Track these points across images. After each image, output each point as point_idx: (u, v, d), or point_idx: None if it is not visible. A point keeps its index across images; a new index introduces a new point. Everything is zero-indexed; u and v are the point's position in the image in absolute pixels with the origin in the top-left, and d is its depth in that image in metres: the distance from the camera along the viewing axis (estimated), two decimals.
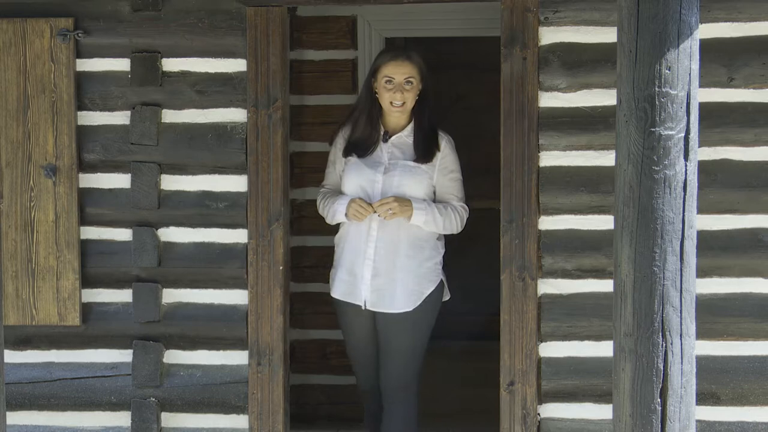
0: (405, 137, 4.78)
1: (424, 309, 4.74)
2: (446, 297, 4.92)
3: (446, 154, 4.77)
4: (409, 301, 4.72)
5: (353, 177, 4.74)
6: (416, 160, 4.72)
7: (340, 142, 4.85)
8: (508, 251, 5.07)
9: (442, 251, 4.87)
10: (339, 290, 4.83)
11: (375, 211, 4.62)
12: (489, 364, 5.24)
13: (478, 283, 7.05)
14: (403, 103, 4.70)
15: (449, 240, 4.97)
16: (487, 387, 5.46)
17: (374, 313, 4.76)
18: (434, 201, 4.78)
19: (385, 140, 4.77)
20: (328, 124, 5.55)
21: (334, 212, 4.77)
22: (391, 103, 4.70)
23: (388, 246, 4.69)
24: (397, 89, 4.67)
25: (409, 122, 4.79)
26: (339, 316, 4.95)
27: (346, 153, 4.79)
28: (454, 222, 4.77)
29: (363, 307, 4.75)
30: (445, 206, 4.75)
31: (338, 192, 4.84)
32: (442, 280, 4.85)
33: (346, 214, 4.71)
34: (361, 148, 4.76)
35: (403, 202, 4.64)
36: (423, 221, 4.68)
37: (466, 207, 4.85)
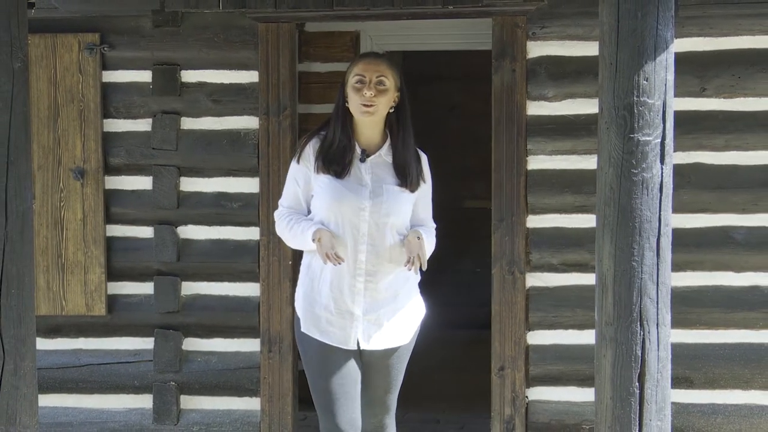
0: (384, 156, 3.82)
1: (411, 341, 3.90)
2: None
3: (425, 175, 3.90)
4: (401, 335, 3.85)
5: (332, 201, 3.75)
6: (400, 185, 3.79)
7: (308, 157, 3.83)
8: (498, 247, 5.07)
9: (418, 277, 3.95)
10: (315, 330, 3.79)
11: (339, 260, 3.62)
12: (485, 351, 5.23)
13: (478, 277, 7.05)
14: (373, 105, 3.75)
15: (444, 241, 4.92)
16: (482, 372, 5.45)
17: (362, 350, 3.82)
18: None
19: (363, 160, 3.79)
20: None
21: (304, 241, 3.77)
22: (361, 104, 3.75)
23: (378, 278, 3.76)
24: (368, 86, 3.74)
25: (384, 140, 3.85)
26: (317, 356, 3.82)
27: (323, 169, 3.78)
28: (432, 246, 3.89)
29: (356, 348, 3.79)
30: (429, 232, 3.88)
31: (300, 212, 3.86)
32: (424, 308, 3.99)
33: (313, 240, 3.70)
34: (338, 164, 3.78)
35: (418, 238, 3.73)
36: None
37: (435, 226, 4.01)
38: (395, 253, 3.76)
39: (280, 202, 3.93)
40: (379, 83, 3.77)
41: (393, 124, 3.84)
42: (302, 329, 3.82)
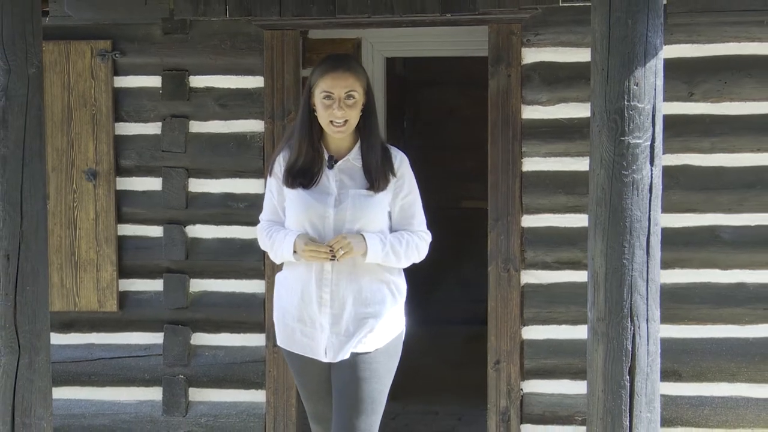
0: (352, 161, 3.59)
1: (384, 353, 3.59)
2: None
3: (401, 174, 3.61)
4: (369, 342, 3.56)
5: (300, 212, 3.57)
6: (369, 188, 3.56)
7: (278, 170, 3.65)
8: (494, 246, 5.07)
9: (404, 288, 3.71)
10: (290, 342, 3.65)
11: (332, 252, 3.45)
12: (482, 346, 5.23)
13: (477, 274, 7.04)
14: (345, 121, 3.52)
15: (443, 240, 4.93)
16: (479, 366, 5.45)
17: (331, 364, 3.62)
18: (391, 227, 3.65)
19: (331, 166, 3.58)
20: None
21: (282, 252, 3.59)
22: (331, 122, 3.52)
23: (343, 286, 3.54)
24: (337, 105, 3.51)
25: (354, 143, 3.61)
26: (295, 368, 3.73)
27: (290, 183, 3.60)
28: (414, 252, 3.61)
29: (324, 360, 3.59)
30: (402, 236, 3.60)
31: (280, 224, 3.70)
32: (403, 326, 3.71)
33: (294, 252, 3.54)
34: (305, 176, 3.58)
35: (356, 238, 3.49)
36: (381, 258, 3.53)
37: (428, 231, 3.69)
38: (361, 261, 3.53)
39: (261, 216, 3.77)
40: (349, 97, 3.53)
41: (360, 126, 3.61)
42: (278, 342, 3.72)
